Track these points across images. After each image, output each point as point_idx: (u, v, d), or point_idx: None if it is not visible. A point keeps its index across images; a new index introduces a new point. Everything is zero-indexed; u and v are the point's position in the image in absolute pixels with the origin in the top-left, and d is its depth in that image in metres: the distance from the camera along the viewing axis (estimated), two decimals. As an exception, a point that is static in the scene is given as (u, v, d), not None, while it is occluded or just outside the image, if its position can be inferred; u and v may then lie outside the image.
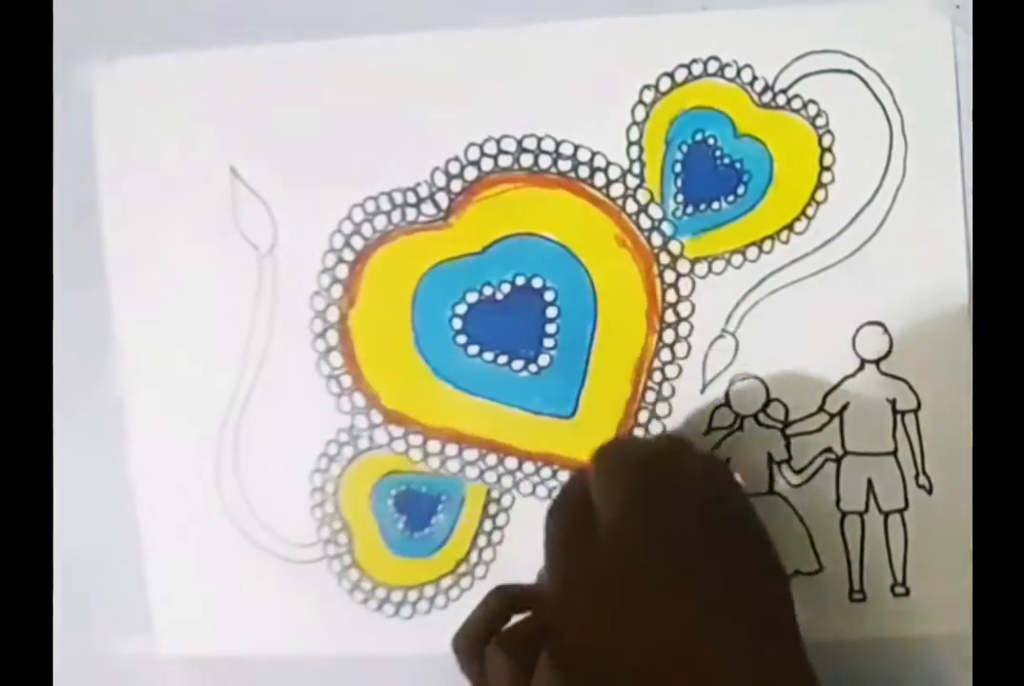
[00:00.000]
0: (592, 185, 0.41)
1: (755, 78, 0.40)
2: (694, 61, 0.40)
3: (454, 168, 0.42)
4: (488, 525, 0.42)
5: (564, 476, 0.42)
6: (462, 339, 0.42)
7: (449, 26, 0.41)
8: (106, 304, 0.44)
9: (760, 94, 0.40)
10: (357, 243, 0.42)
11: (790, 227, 0.40)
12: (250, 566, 0.43)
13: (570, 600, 0.34)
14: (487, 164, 0.41)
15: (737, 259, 0.41)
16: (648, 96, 0.41)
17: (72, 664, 0.42)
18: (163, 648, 0.44)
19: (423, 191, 0.42)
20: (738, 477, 0.39)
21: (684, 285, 0.41)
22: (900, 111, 0.40)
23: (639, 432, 0.41)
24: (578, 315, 0.41)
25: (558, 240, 0.41)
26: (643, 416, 0.41)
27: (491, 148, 0.41)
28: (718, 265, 0.41)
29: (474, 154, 0.42)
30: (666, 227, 0.41)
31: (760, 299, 0.41)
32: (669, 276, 0.41)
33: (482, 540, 0.42)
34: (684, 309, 0.41)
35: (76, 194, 0.43)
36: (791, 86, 0.40)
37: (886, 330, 0.40)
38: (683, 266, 0.41)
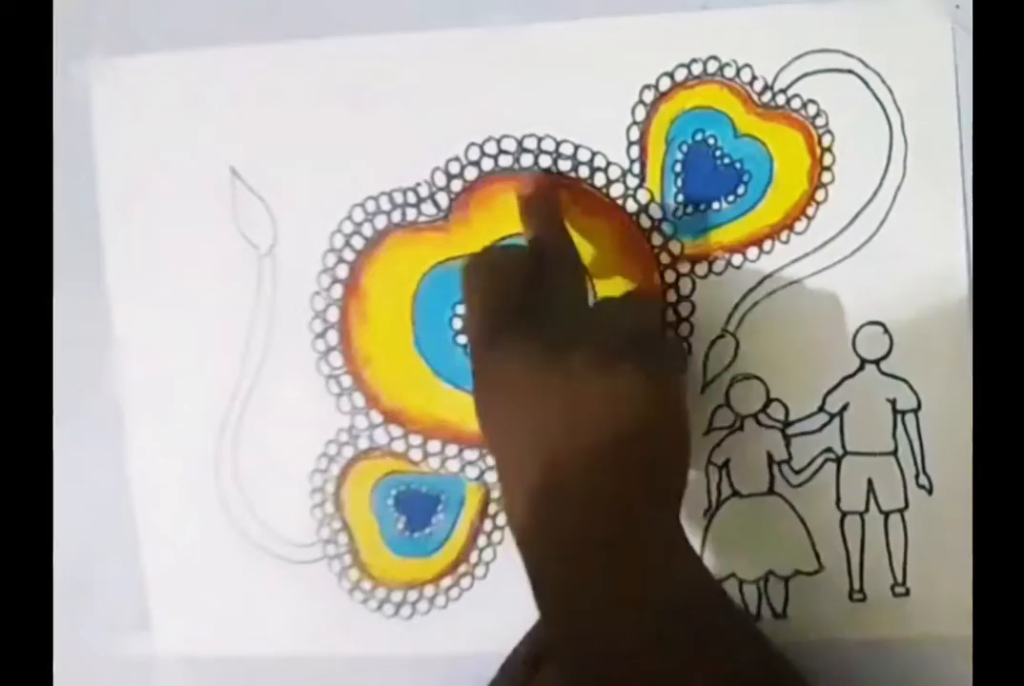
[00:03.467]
0: (592, 185, 0.41)
1: (755, 78, 0.40)
2: (694, 61, 0.40)
3: (454, 168, 0.42)
4: (488, 525, 0.42)
5: (564, 476, 0.42)
6: (462, 339, 0.42)
7: (449, 26, 0.41)
8: (106, 304, 0.44)
9: (760, 94, 0.40)
10: (357, 243, 0.42)
11: (790, 227, 0.40)
12: (250, 566, 0.43)
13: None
14: (487, 164, 0.41)
15: (737, 259, 0.41)
16: (648, 96, 0.41)
17: (72, 664, 0.42)
18: (163, 648, 0.44)
19: (423, 191, 0.42)
20: None
21: (684, 285, 0.41)
22: (900, 111, 0.40)
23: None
24: (578, 315, 0.41)
25: (558, 240, 0.41)
26: (643, 416, 0.41)
27: (491, 148, 0.41)
28: (718, 265, 0.41)
29: (474, 154, 0.42)
30: (666, 227, 0.41)
31: (760, 299, 0.41)
32: (669, 276, 0.41)
33: (482, 540, 0.42)
34: (684, 309, 0.41)
35: (76, 194, 0.43)
36: (791, 86, 0.40)
37: (886, 330, 0.40)
38: (683, 266, 0.41)
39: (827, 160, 0.40)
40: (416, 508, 0.43)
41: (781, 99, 0.40)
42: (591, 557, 0.33)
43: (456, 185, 0.42)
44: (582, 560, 0.33)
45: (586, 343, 0.34)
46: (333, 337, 0.43)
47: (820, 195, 0.40)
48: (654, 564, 0.33)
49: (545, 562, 0.34)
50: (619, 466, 0.33)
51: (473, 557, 0.42)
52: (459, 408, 0.42)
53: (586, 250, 0.41)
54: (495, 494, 0.42)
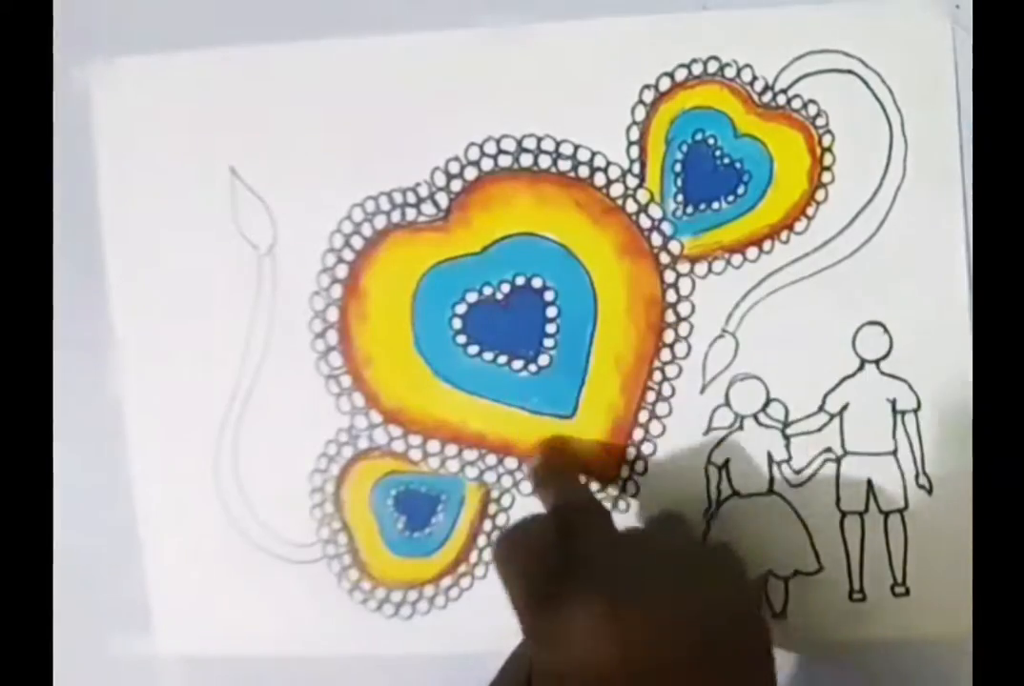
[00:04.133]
0: (592, 185, 0.41)
1: (755, 78, 0.40)
2: (694, 61, 0.40)
3: (454, 168, 0.42)
4: (488, 525, 0.42)
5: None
6: (462, 339, 0.42)
7: (449, 26, 0.41)
8: (106, 304, 0.44)
9: (760, 94, 0.40)
10: (357, 243, 0.42)
11: (790, 227, 0.40)
12: (250, 566, 0.43)
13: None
14: (487, 164, 0.41)
15: (737, 259, 0.41)
16: (648, 96, 0.41)
17: (72, 664, 0.42)
18: (163, 648, 0.44)
19: (423, 191, 0.42)
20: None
21: (684, 285, 0.41)
22: (900, 111, 0.40)
23: (639, 432, 0.41)
24: (578, 315, 0.41)
25: (558, 240, 0.41)
26: (643, 416, 0.41)
27: (491, 148, 0.41)
28: (718, 265, 0.41)
29: (474, 154, 0.42)
30: (666, 227, 0.41)
31: (760, 299, 0.41)
32: (669, 276, 0.41)
33: (482, 540, 0.42)
34: (684, 309, 0.41)
35: (76, 194, 0.43)
36: (791, 86, 0.40)
37: (886, 330, 0.40)
38: (683, 266, 0.41)
39: (827, 160, 0.40)
40: (416, 508, 0.43)
41: (781, 99, 0.40)
42: None
43: (456, 185, 0.42)
44: None
45: (634, 598, 0.33)
46: (333, 337, 0.43)
47: (820, 195, 0.40)
48: None
49: None
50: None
51: (473, 557, 0.42)
52: (459, 408, 0.42)
53: (586, 251, 0.41)
54: (495, 494, 0.42)
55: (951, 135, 0.39)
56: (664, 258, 0.41)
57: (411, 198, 0.42)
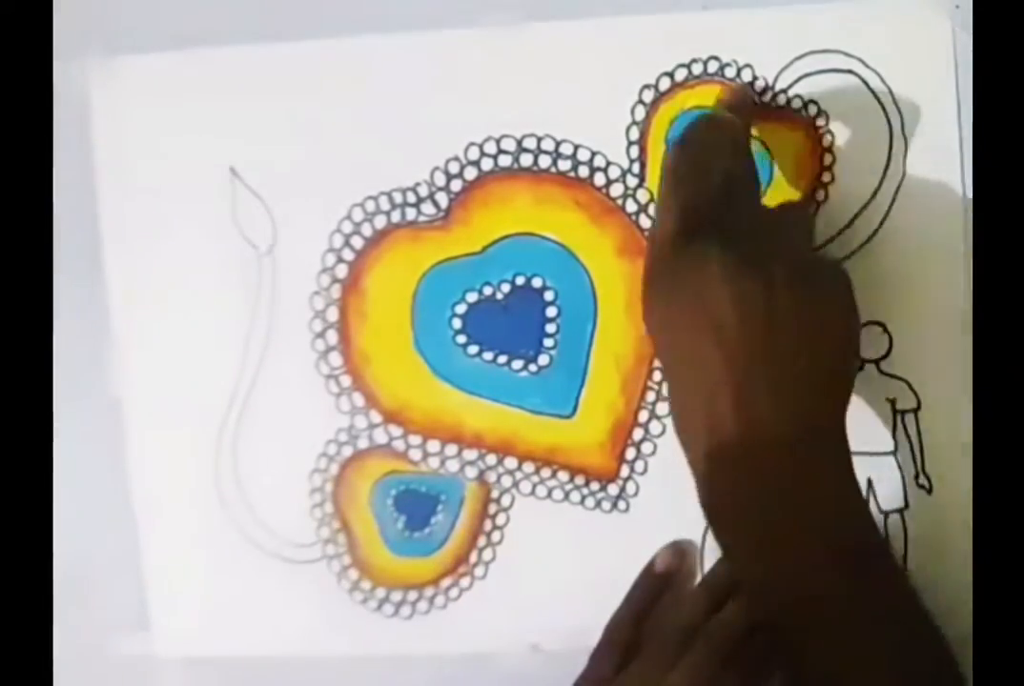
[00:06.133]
0: (592, 185, 0.41)
1: (755, 78, 0.40)
2: (694, 61, 0.40)
3: (454, 168, 0.42)
4: (488, 525, 0.42)
5: (564, 476, 0.42)
6: (462, 339, 0.42)
7: (449, 26, 0.41)
8: (106, 304, 0.44)
9: (760, 94, 0.40)
10: (357, 243, 0.42)
11: (790, 227, 0.40)
12: (250, 566, 0.43)
13: None
14: (487, 164, 0.41)
15: (737, 259, 0.41)
16: (648, 96, 0.41)
17: (72, 664, 0.42)
18: (163, 648, 0.44)
19: (423, 191, 0.42)
20: None
21: (684, 285, 0.41)
22: (900, 111, 0.40)
23: (639, 432, 0.41)
24: (578, 315, 0.41)
25: (558, 240, 0.41)
26: (643, 416, 0.41)
27: (491, 148, 0.41)
28: (718, 265, 0.41)
29: (474, 154, 0.42)
30: (666, 227, 0.41)
31: (760, 299, 0.40)
32: (669, 276, 0.41)
33: (482, 540, 0.42)
34: (684, 309, 0.41)
35: (76, 194, 0.43)
36: (791, 86, 0.40)
37: (886, 330, 0.40)
38: (683, 266, 0.41)
39: (827, 160, 0.40)
40: (416, 508, 0.43)
41: (782, 99, 0.40)
42: (774, 487, 0.33)
43: (456, 185, 0.42)
44: (766, 489, 0.34)
45: (781, 255, 0.34)
46: (333, 337, 0.43)
47: (820, 195, 0.40)
48: (827, 494, 0.34)
49: (724, 492, 0.35)
50: (805, 375, 0.33)
51: (473, 557, 0.42)
52: (459, 408, 0.42)
53: (586, 251, 0.41)
54: (495, 494, 0.42)
55: (951, 135, 0.39)
56: (664, 258, 0.41)
57: (411, 198, 0.42)
